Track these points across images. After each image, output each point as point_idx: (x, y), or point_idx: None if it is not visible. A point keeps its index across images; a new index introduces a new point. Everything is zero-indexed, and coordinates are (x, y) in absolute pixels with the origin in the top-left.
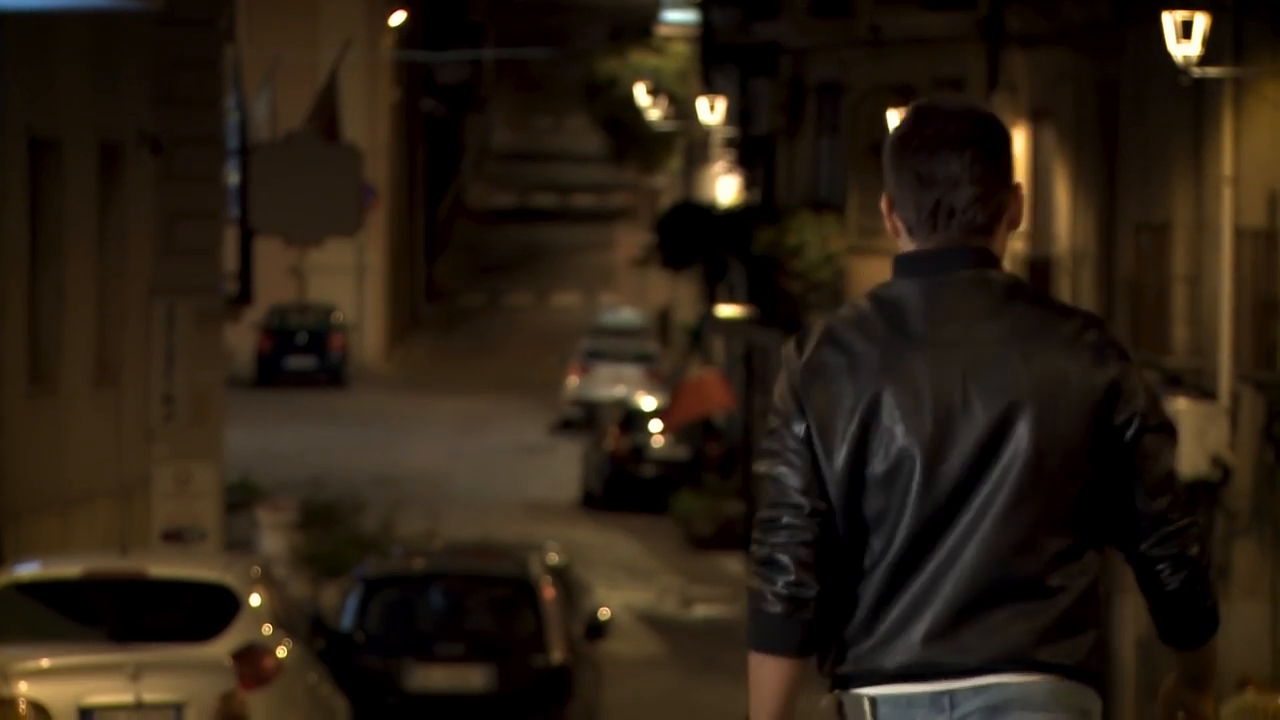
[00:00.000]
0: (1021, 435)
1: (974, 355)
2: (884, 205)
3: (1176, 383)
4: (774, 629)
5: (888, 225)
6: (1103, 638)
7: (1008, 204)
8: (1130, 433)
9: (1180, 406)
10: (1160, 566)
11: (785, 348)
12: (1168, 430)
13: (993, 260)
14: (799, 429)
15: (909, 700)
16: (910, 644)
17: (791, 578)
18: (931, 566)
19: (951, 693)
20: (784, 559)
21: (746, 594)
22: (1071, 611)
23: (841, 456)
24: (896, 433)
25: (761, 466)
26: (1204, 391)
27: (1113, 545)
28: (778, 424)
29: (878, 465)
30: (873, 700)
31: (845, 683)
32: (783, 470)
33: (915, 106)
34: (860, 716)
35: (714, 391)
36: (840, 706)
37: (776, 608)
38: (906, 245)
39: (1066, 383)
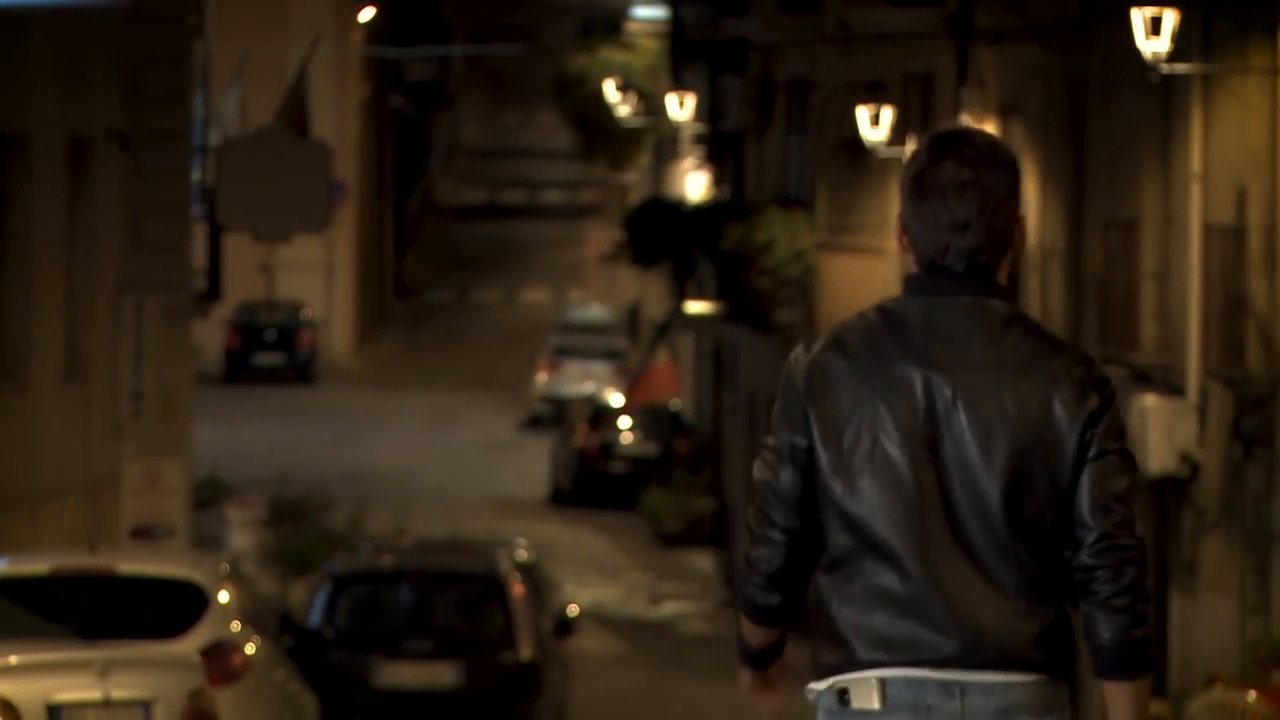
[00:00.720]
0: (1004, 457)
1: (968, 378)
2: (897, 225)
3: (1145, 379)
4: (762, 612)
5: (898, 242)
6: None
7: (1013, 238)
8: (1093, 451)
9: (1148, 403)
10: (1098, 574)
11: (794, 352)
12: (1128, 459)
13: (995, 288)
14: (799, 436)
15: (920, 683)
16: (918, 638)
17: (778, 564)
18: (936, 569)
19: (962, 684)
20: (764, 563)
21: (741, 573)
22: (1058, 618)
23: (837, 457)
24: (890, 439)
25: (758, 471)
26: (1172, 388)
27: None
28: (779, 430)
29: (875, 467)
30: (882, 681)
31: (849, 667)
32: (775, 480)
33: (933, 141)
34: (868, 697)
35: (666, 380)
36: (841, 693)
37: (762, 599)
38: (913, 265)
39: (1050, 414)
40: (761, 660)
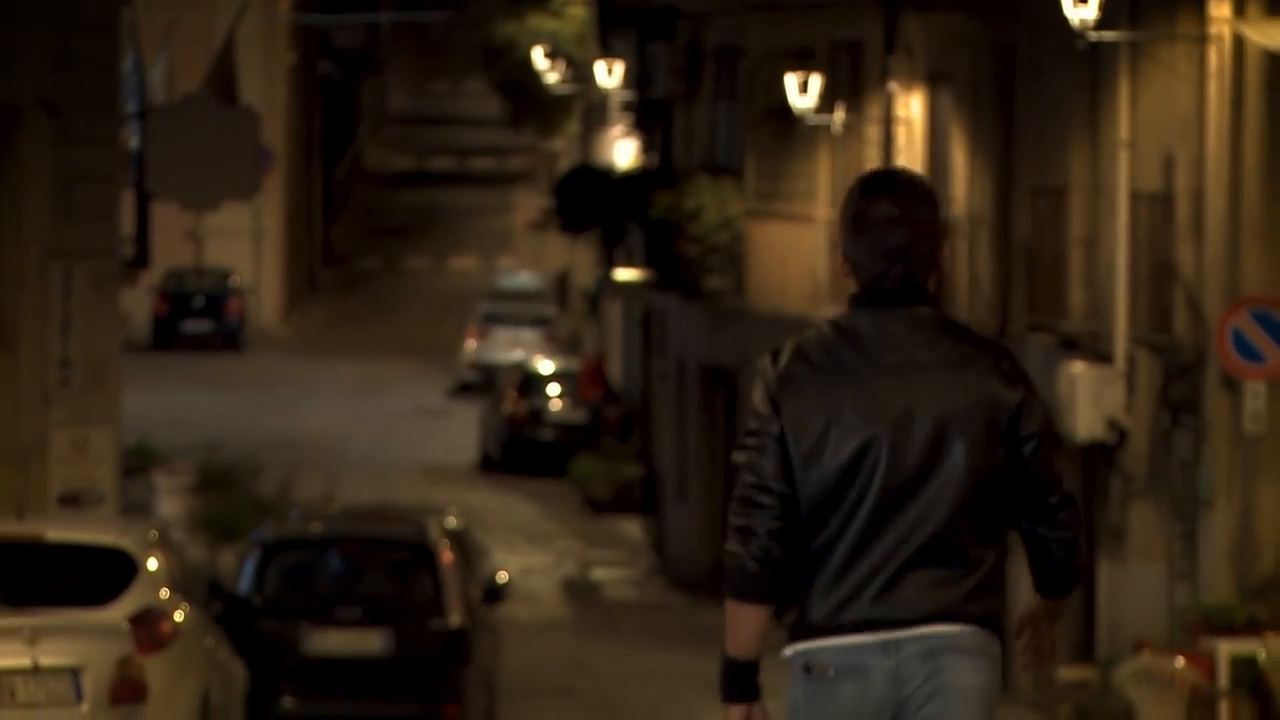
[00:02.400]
0: (953, 440)
1: (915, 377)
2: (842, 259)
3: (1073, 346)
4: (750, 583)
5: (843, 270)
6: (1004, 598)
7: (939, 259)
8: (1031, 446)
9: (1076, 370)
10: (1051, 546)
11: (762, 361)
12: (1058, 442)
13: (928, 300)
14: (774, 428)
15: (861, 648)
16: (863, 604)
17: (764, 544)
18: (882, 543)
19: (897, 641)
20: (759, 529)
21: (726, 557)
22: (987, 577)
23: (808, 448)
24: (853, 432)
25: (740, 457)
26: (1100, 355)
27: (1011, 527)
28: (756, 424)
29: (837, 458)
30: (831, 649)
31: (807, 634)
32: (760, 461)
33: (863, 181)
34: (820, 662)
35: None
36: (799, 656)
37: (753, 566)
38: (854, 288)
39: (985, 402)
40: (746, 679)
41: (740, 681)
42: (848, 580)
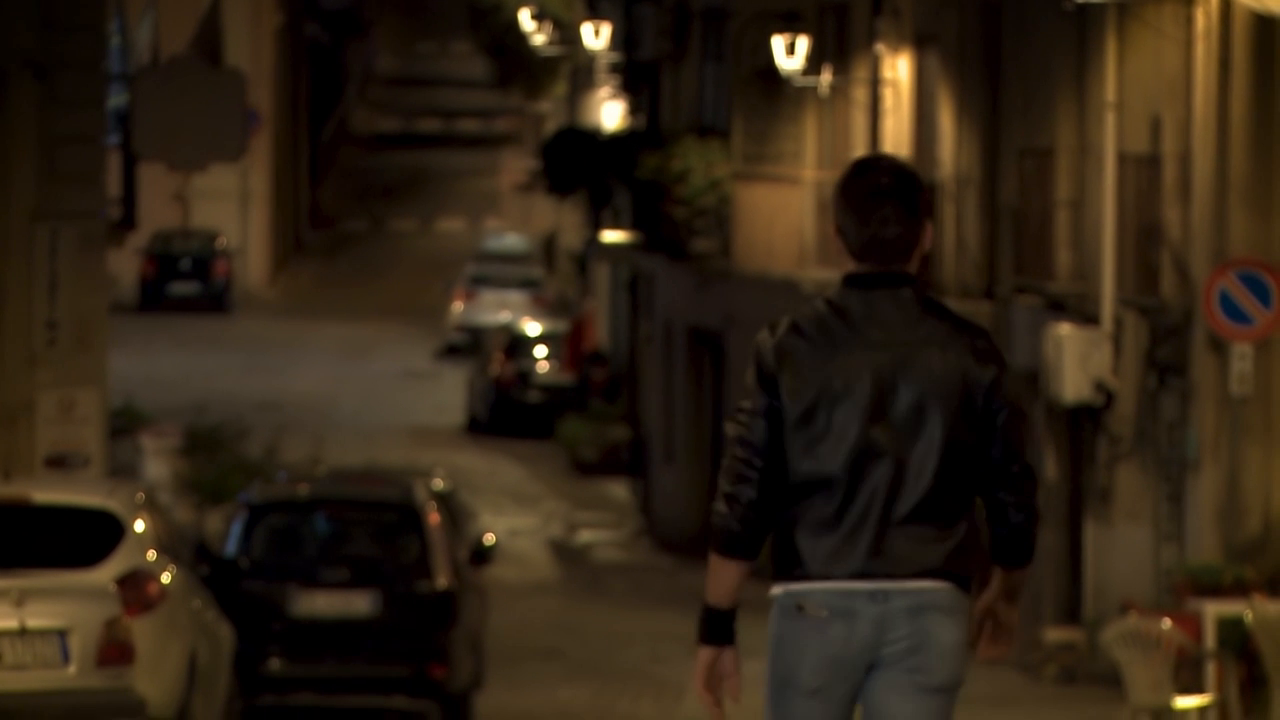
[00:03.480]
0: (933, 411)
1: (900, 352)
2: (833, 230)
3: (1059, 308)
4: (733, 543)
5: (835, 245)
6: (978, 559)
7: (922, 238)
8: (999, 416)
9: (1063, 332)
10: (1009, 510)
11: (760, 335)
12: (1022, 414)
13: (911, 280)
14: (766, 402)
15: (852, 593)
16: (855, 557)
17: (747, 511)
18: (873, 504)
19: (886, 591)
20: (743, 498)
21: (713, 516)
22: (965, 539)
23: (800, 415)
24: (843, 402)
25: (732, 429)
26: (1087, 316)
27: (978, 494)
28: (749, 398)
29: (829, 426)
30: (824, 591)
31: (801, 579)
32: (750, 435)
33: (856, 163)
34: (814, 603)
35: (594, 326)
36: (798, 606)
37: (736, 528)
38: (848, 262)
39: (962, 378)
40: (722, 624)
41: (716, 627)
42: (840, 535)
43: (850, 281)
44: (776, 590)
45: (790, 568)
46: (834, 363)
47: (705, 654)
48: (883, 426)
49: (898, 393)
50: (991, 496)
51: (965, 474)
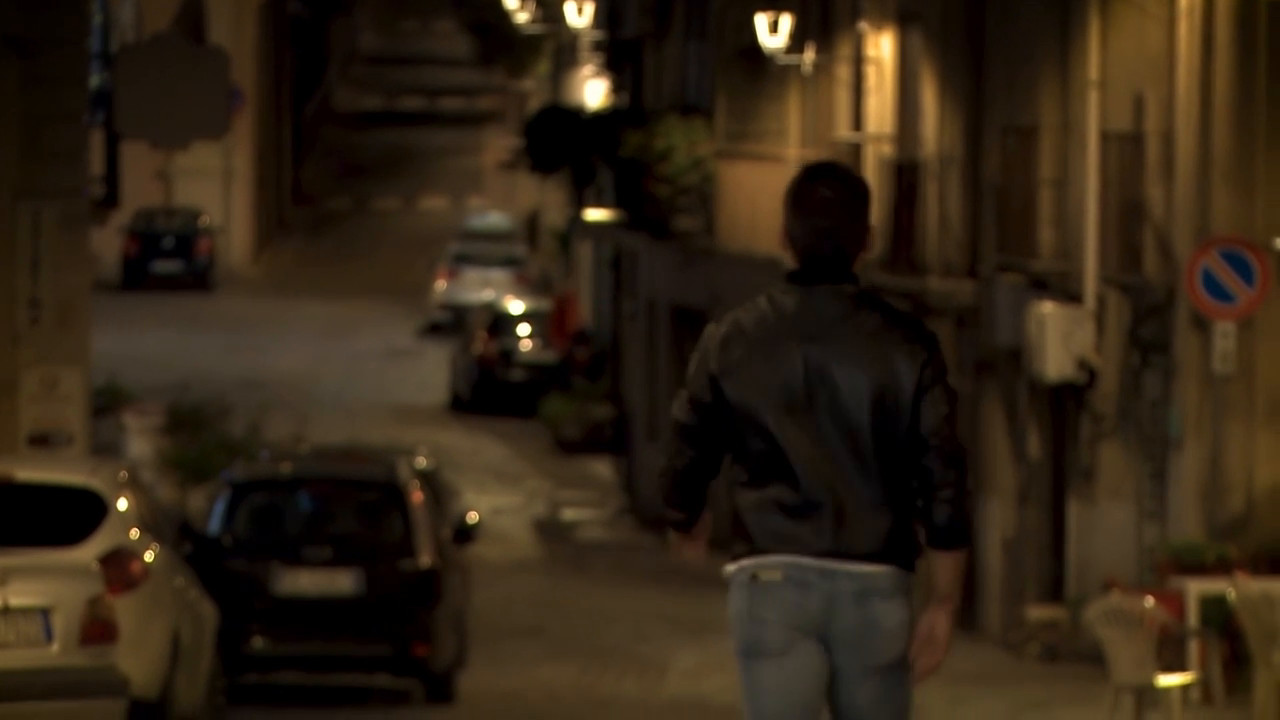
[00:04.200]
0: (865, 397)
1: (835, 345)
2: (782, 233)
3: (1042, 286)
4: (674, 501)
5: (783, 247)
6: (915, 540)
7: (865, 241)
8: (929, 395)
9: (1046, 310)
10: (934, 474)
11: (708, 329)
12: (952, 393)
13: (851, 278)
14: (705, 395)
15: (804, 566)
16: (803, 538)
17: (685, 473)
18: (814, 487)
19: (832, 570)
20: (682, 464)
21: (658, 478)
22: (902, 522)
23: (742, 403)
24: (781, 392)
25: (676, 411)
26: (1070, 295)
27: (911, 474)
28: (690, 389)
29: (769, 414)
30: (777, 562)
31: (756, 554)
32: (688, 417)
33: (805, 170)
34: (768, 570)
35: (574, 309)
36: (752, 575)
37: (676, 488)
38: (793, 261)
39: (895, 365)
40: (685, 526)
41: (677, 525)
42: (785, 516)
43: (792, 278)
44: (730, 568)
45: (743, 546)
46: (772, 356)
47: (675, 536)
48: (818, 413)
49: (831, 380)
50: (923, 475)
51: (899, 457)
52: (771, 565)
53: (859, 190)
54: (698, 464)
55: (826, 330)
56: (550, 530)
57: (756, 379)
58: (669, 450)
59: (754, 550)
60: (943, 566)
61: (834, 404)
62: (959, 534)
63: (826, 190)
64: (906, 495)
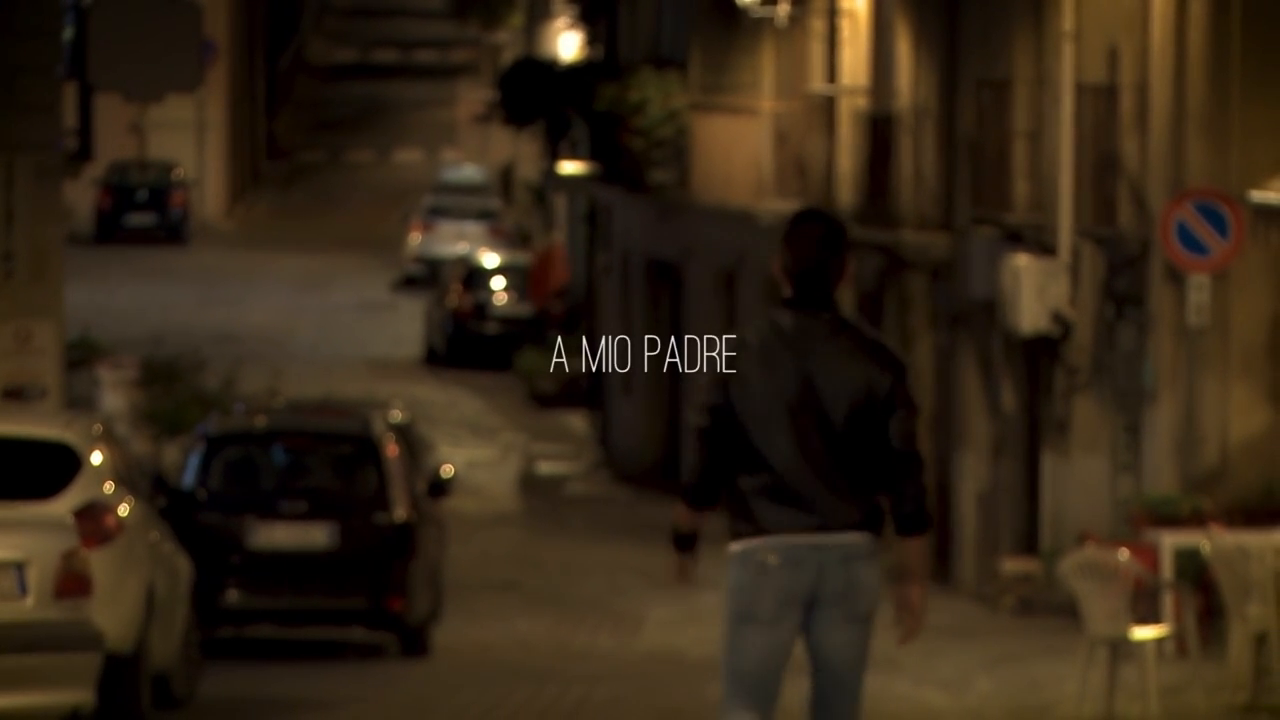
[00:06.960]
0: (844, 406)
1: (820, 361)
2: (775, 267)
3: (1017, 239)
4: (695, 493)
5: (777, 278)
6: (883, 514)
7: (845, 273)
8: (896, 413)
9: (1021, 263)
10: (899, 477)
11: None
12: (915, 410)
13: (833, 305)
14: (719, 400)
15: (796, 545)
16: (799, 518)
17: (706, 468)
18: (807, 476)
19: (824, 544)
20: (704, 462)
21: (683, 474)
22: (875, 503)
23: (747, 406)
24: (776, 396)
25: (693, 416)
26: (1044, 247)
27: (880, 472)
28: (704, 394)
29: (769, 415)
30: (775, 544)
31: (756, 535)
32: (706, 420)
33: (796, 215)
34: (767, 553)
35: (559, 263)
36: (749, 551)
37: (699, 481)
38: (787, 290)
39: (867, 380)
40: (687, 543)
41: (680, 543)
42: (784, 500)
43: (787, 304)
44: (736, 547)
45: (747, 527)
46: (770, 365)
47: (674, 557)
48: (809, 416)
49: (815, 389)
50: (890, 478)
51: (871, 453)
52: (770, 548)
53: (839, 232)
54: (715, 462)
55: (813, 348)
56: (526, 484)
57: (756, 380)
58: (695, 449)
59: (756, 530)
60: (910, 549)
61: (819, 407)
62: (921, 523)
63: (811, 237)
64: (873, 480)
